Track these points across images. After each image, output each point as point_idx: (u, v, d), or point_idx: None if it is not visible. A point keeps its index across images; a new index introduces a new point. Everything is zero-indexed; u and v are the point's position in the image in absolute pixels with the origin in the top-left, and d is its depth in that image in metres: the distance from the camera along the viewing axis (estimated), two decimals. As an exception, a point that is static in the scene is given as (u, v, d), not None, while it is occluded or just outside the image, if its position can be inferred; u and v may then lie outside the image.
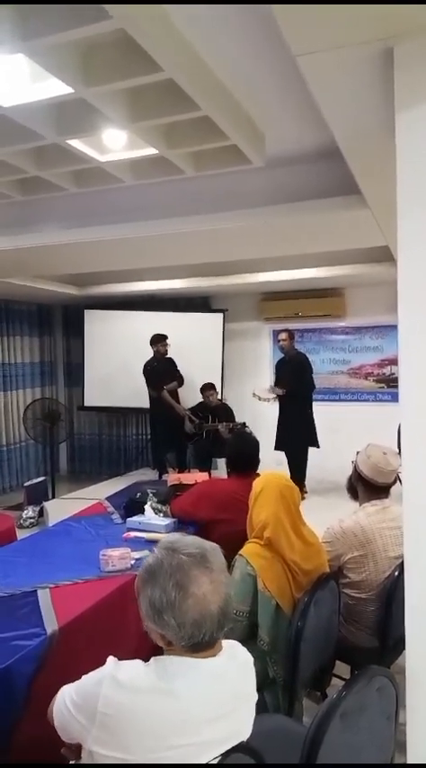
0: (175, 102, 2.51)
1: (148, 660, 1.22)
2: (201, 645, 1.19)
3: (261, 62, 2.34)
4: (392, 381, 7.09)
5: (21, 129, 2.75)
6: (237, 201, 3.61)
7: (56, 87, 2.34)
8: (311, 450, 6.11)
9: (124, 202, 3.89)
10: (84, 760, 1.19)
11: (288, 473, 5.25)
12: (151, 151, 3.04)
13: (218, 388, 6.98)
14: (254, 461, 3.13)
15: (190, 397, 6.76)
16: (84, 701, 1.19)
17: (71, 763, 1.31)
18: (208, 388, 6.59)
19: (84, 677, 1.23)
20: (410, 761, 1.54)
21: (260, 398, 6.53)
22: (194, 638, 1.17)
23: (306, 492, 5.61)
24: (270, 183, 3.51)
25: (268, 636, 2.05)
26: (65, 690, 1.28)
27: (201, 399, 6.62)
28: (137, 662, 1.22)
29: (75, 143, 2.97)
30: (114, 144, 3.04)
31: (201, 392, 6.58)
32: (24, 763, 1.77)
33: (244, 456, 3.15)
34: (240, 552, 2.15)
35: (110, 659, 1.23)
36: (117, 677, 1.17)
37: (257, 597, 2.07)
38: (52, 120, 2.75)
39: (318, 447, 6.07)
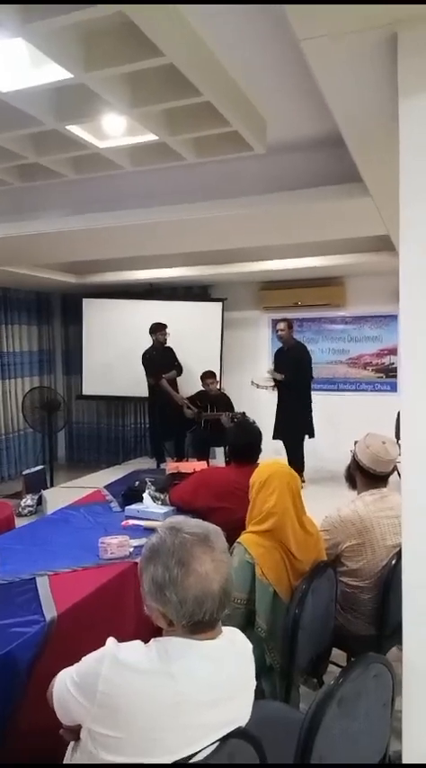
0: (176, 88, 2.48)
1: (148, 644, 1.23)
2: (202, 624, 1.20)
3: (264, 48, 2.32)
4: (391, 371, 7.10)
5: (20, 114, 2.72)
6: (238, 189, 3.59)
7: (55, 72, 2.32)
8: (310, 439, 6.11)
9: (123, 189, 3.86)
10: (83, 739, 1.20)
11: (286, 462, 5.26)
12: (151, 137, 3.01)
13: (217, 377, 6.98)
14: (256, 451, 3.14)
15: (188, 385, 6.76)
16: (85, 681, 1.20)
17: (69, 749, 1.32)
18: (208, 377, 6.59)
19: (84, 658, 1.24)
20: (405, 747, 1.55)
21: (258, 386, 6.52)
22: (195, 615, 1.19)
23: (304, 481, 5.63)
24: (271, 171, 3.49)
25: (265, 623, 2.06)
26: (65, 671, 1.29)
27: (201, 388, 6.62)
28: (138, 642, 1.23)
29: (75, 129, 2.94)
30: (114, 130, 3.01)
31: (202, 380, 6.58)
32: (25, 763, 1.78)
33: (246, 445, 3.15)
34: (238, 540, 2.16)
35: (111, 640, 1.24)
36: (117, 657, 1.18)
37: (255, 585, 2.08)
38: (51, 105, 2.72)
39: (312, 436, 6.08)
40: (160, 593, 1.20)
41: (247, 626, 2.07)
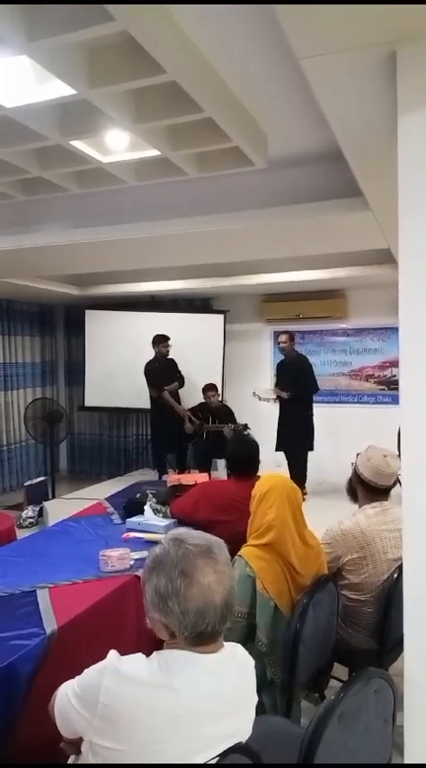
0: (178, 104, 2.51)
1: (150, 656, 1.23)
2: (204, 636, 1.20)
3: (265, 64, 2.35)
4: (393, 383, 7.09)
5: (24, 129, 2.76)
6: (239, 203, 3.61)
7: (59, 89, 2.35)
8: (310, 452, 6.10)
9: (126, 203, 3.90)
10: (84, 752, 1.20)
11: (287, 474, 5.25)
12: (154, 152, 3.04)
13: (219, 390, 6.98)
14: (254, 463, 3.14)
15: (190, 397, 6.76)
16: (86, 693, 1.20)
17: (70, 762, 1.31)
18: (209, 389, 6.59)
19: (85, 671, 1.24)
20: (407, 762, 1.54)
21: (260, 398, 6.52)
22: (197, 627, 1.19)
23: (306, 493, 5.61)
24: (273, 185, 3.52)
25: (266, 637, 2.05)
26: (67, 684, 1.29)
27: (202, 400, 6.62)
28: (139, 655, 1.23)
29: (79, 144, 2.97)
30: (117, 145, 3.05)
31: (203, 392, 6.58)
32: (25, 764, 1.77)
33: (243, 458, 3.15)
34: (239, 553, 2.15)
35: (112, 652, 1.23)
36: (118, 669, 1.18)
37: (256, 598, 2.07)
38: (55, 120, 2.75)
39: (312, 450, 6.08)
40: (163, 603, 1.20)
41: (248, 640, 2.06)
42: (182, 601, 1.18)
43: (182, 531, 1.31)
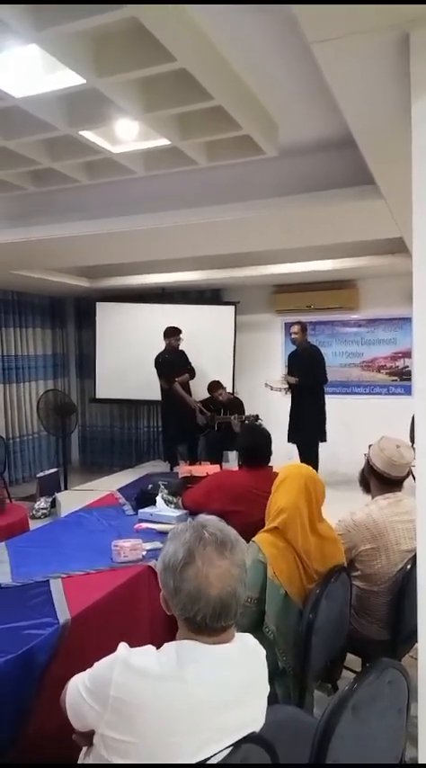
0: (188, 92, 2.49)
1: (160, 648, 1.23)
2: (195, 624, 1.20)
3: (275, 50, 2.32)
4: (405, 374, 7.04)
5: (33, 120, 2.75)
6: (250, 192, 3.59)
7: (68, 78, 2.34)
8: (322, 443, 6.08)
9: (136, 194, 3.88)
10: (96, 745, 1.20)
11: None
12: (163, 142, 3.03)
13: (230, 381, 6.97)
14: (266, 454, 3.12)
15: (201, 389, 6.76)
16: (97, 687, 1.20)
17: (82, 754, 1.32)
18: (215, 388, 6.50)
19: (96, 664, 1.25)
20: (421, 754, 1.53)
21: (272, 388, 6.49)
22: (186, 611, 1.20)
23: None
24: (284, 174, 3.49)
25: (274, 624, 2.04)
26: (77, 677, 1.30)
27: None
28: (149, 647, 1.23)
29: (88, 134, 2.96)
30: (126, 135, 3.03)
31: (209, 392, 6.52)
32: (25, 764, 1.79)
33: (254, 448, 3.14)
34: (253, 539, 2.15)
35: (122, 645, 1.24)
36: (129, 662, 1.18)
37: (266, 585, 2.07)
38: (64, 111, 2.74)
39: (324, 440, 6.05)
40: (164, 572, 1.25)
41: (258, 626, 2.06)
42: (177, 578, 1.21)
43: (212, 519, 1.32)
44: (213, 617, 1.19)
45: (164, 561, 1.26)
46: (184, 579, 1.20)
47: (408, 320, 6.83)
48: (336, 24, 1.56)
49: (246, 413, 6.46)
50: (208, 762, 1.13)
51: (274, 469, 2.84)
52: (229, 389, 6.85)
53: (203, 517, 1.33)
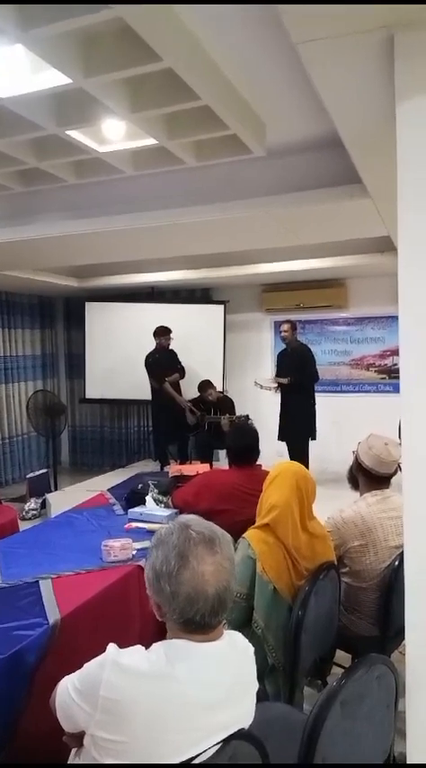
0: (175, 92, 2.49)
1: (150, 648, 1.23)
2: (194, 624, 1.20)
3: (262, 50, 2.32)
4: (393, 372, 7.08)
5: (20, 119, 2.74)
6: (238, 191, 3.59)
7: (55, 78, 2.33)
8: (312, 441, 6.11)
9: (124, 193, 3.87)
10: (87, 745, 1.20)
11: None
12: (151, 141, 3.02)
13: (220, 380, 6.96)
14: (254, 452, 3.14)
15: (191, 388, 6.76)
16: (87, 688, 1.21)
17: (72, 755, 1.32)
18: (206, 388, 6.51)
19: (85, 665, 1.25)
20: (409, 749, 1.55)
21: (261, 387, 6.50)
22: (185, 613, 1.19)
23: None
24: (271, 173, 3.50)
25: (263, 620, 2.05)
26: (67, 679, 1.30)
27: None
28: (139, 647, 1.23)
29: (75, 134, 2.95)
30: (114, 134, 3.03)
31: (200, 391, 6.53)
32: (25, 764, 1.79)
33: (243, 447, 3.15)
34: (243, 535, 2.16)
35: (111, 645, 1.24)
36: (118, 662, 1.18)
37: (255, 580, 2.08)
38: (52, 110, 2.73)
39: (314, 439, 6.08)
40: (156, 581, 1.22)
41: (247, 622, 2.07)
42: (174, 583, 1.19)
43: (192, 518, 1.32)
44: (212, 614, 1.21)
45: (154, 569, 1.23)
46: (181, 583, 1.19)
47: (396, 318, 6.81)
48: (320, 25, 1.57)
49: (237, 412, 6.47)
50: (197, 758, 1.14)
51: (264, 468, 2.85)
52: (219, 388, 6.85)
53: (184, 517, 1.32)
